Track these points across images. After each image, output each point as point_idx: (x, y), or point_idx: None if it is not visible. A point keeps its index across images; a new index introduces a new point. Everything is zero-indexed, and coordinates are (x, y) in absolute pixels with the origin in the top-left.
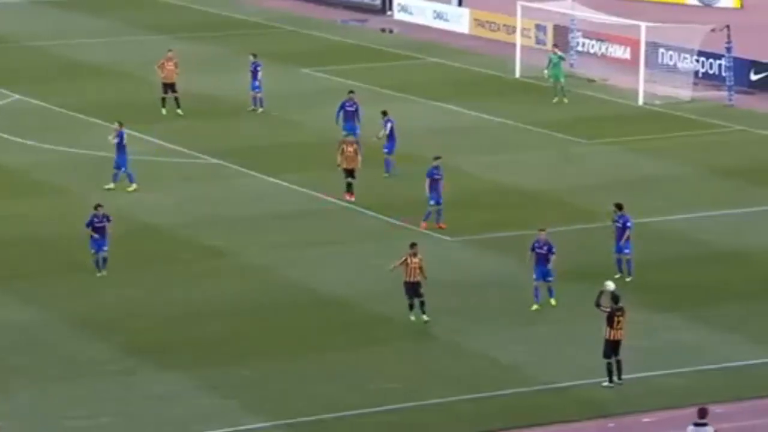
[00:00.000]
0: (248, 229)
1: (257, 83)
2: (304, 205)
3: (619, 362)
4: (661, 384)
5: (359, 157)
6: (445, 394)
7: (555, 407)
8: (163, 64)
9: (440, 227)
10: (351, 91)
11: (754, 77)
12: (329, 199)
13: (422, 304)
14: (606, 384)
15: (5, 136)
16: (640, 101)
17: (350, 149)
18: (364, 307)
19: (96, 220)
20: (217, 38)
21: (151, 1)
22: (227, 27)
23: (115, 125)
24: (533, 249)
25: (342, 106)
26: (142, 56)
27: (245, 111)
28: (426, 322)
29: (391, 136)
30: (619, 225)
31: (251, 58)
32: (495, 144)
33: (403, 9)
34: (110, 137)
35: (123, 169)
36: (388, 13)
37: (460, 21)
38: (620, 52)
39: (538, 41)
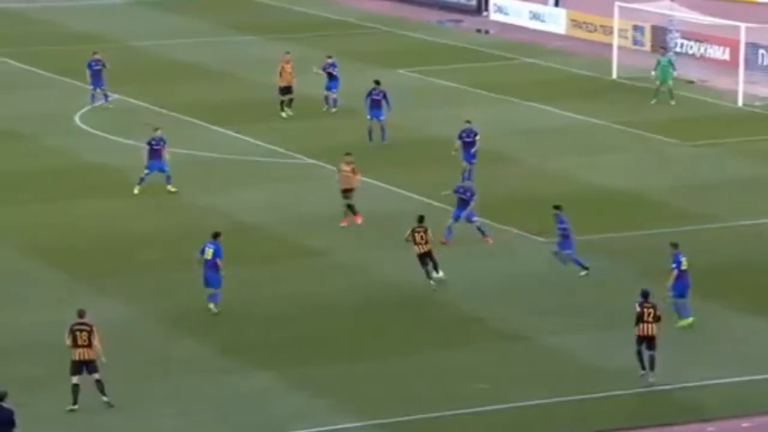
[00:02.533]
0: (343, 229)
1: (334, 83)
2: (399, 205)
3: (652, 357)
4: (761, 388)
5: (358, 176)
6: (537, 396)
7: (653, 410)
8: (282, 67)
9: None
10: (377, 81)
11: None
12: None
13: (435, 264)
14: (642, 373)
15: (106, 135)
16: (740, 102)
17: (347, 168)
18: (456, 307)
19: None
20: (313, 39)
21: (250, 3)
22: (323, 28)
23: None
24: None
25: (369, 94)
26: (241, 57)
27: (342, 111)
28: (441, 279)
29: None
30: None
31: (327, 59)
32: (590, 145)
33: (499, 9)
34: (142, 148)
35: (154, 171)
36: (484, 13)
37: (556, 21)
38: (719, 53)
39: (636, 42)
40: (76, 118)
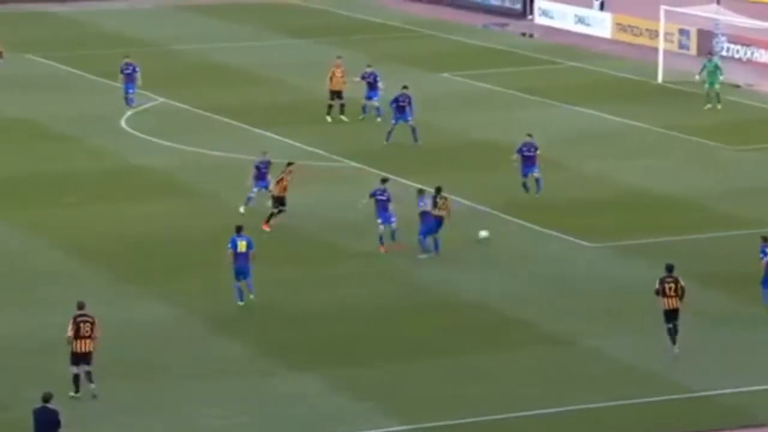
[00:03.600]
0: (386, 232)
1: (374, 92)
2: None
3: (675, 327)
4: None
5: (285, 184)
6: (584, 400)
7: (699, 415)
8: (333, 72)
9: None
10: (405, 86)
11: None
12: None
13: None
14: (675, 351)
15: (150, 138)
16: None
17: (288, 178)
18: (502, 310)
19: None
20: (357, 42)
21: (293, 6)
22: (368, 31)
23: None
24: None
25: (396, 100)
26: (284, 60)
27: (387, 116)
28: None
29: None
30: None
31: (366, 68)
32: (636, 149)
33: (544, 13)
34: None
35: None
36: (529, 17)
37: (602, 25)
38: (766, 57)
39: (682, 46)
40: (122, 121)
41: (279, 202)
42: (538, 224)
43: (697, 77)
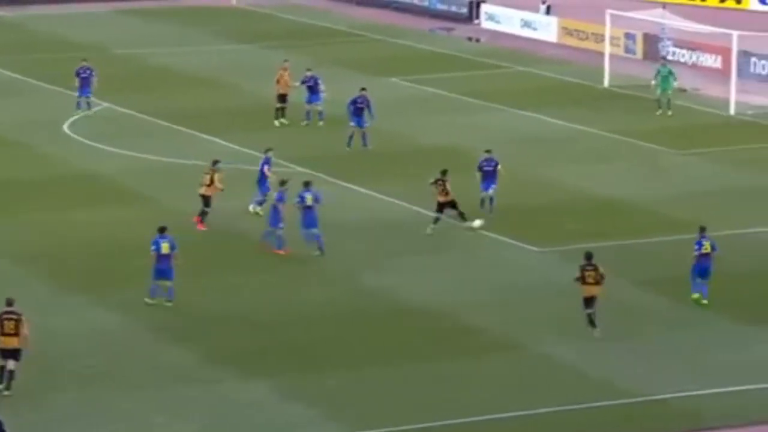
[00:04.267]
0: (335, 238)
1: (315, 96)
2: (391, 214)
3: (594, 313)
4: (756, 397)
5: (220, 186)
6: (534, 406)
7: (646, 420)
8: (280, 75)
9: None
10: (363, 89)
11: None
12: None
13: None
14: (596, 334)
15: (94, 143)
16: (732, 111)
17: (209, 177)
18: (453, 317)
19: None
20: (303, 47)
21: (238, 11)
22: (314, 36)
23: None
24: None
25: (353, 102)
26: (230, 65)
27: (332, 120)
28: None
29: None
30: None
31: (306, 71)
32: (582, 154)
33: (491, 17)
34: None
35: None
36: (476, 21)
37: (548, 29)
38: (711, 61)
39: (628, 50)
40: (65, 127)
41: (205, 202)
42: (487, 230)
43: (652, 83)
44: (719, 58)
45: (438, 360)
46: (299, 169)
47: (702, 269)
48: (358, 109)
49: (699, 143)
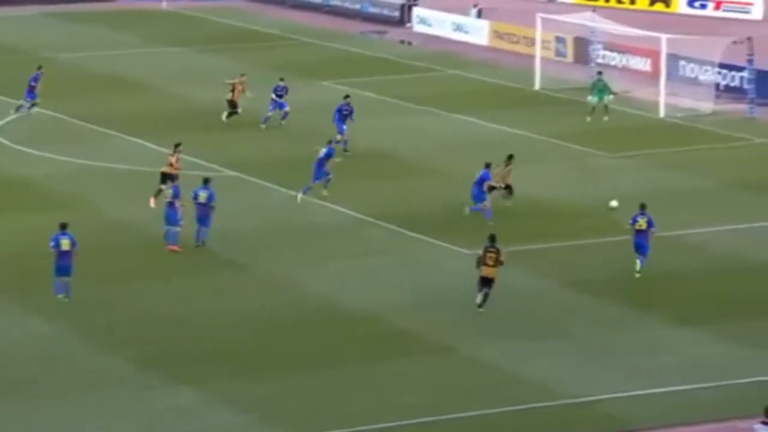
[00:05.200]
0: (268, 243)
1: (279, 102)
2: (321, 218)
3: (488, 294)
4: (685, 399)
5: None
6: (466, 408)
7: (576, 422)
8: (235, 86)
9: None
10: (347, 96)
11: None
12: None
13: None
14: (481, 311)
15: (24, 148)
16: (662, 114)
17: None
18: (385, 321)
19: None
20: (235, 50)
21: (169, 14)
22: (246, 39)
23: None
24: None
25: (339, 110)
26: (162, 69)
27: (255, 122)
28: None
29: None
30: None
31: (281, 82)
32: (515, 157)
33: (422, 21)
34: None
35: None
36: (407, 24)
37: (479, 33)
38: (641, 64)
39: (559, 53)
40: None
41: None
42: (420, 233)
43: (589, 98)
44: (649, 61)
45: (369, 364)
46: (230, 172)
47: (637, 244)
48: (343, 116)
49: (629, 146)
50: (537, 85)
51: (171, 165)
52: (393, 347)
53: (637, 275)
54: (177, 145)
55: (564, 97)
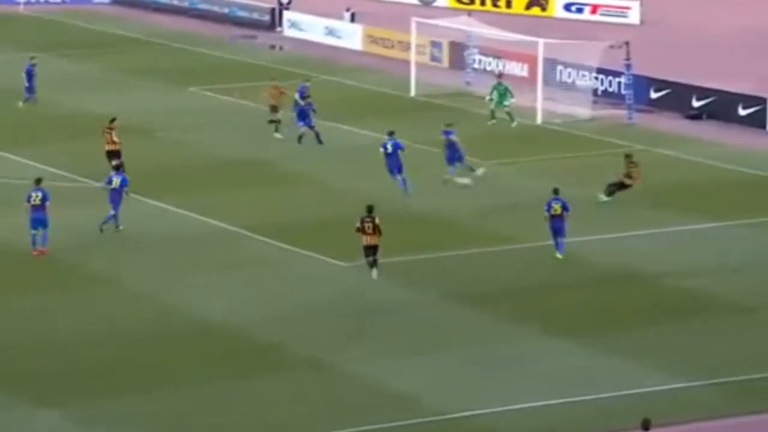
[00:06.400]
0: (132, 254)
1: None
2: (188, 228)
3: (375, 261)
4: (562, 412)
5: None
6: (340, 425)
7: None
8: (271, 90)
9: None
10: (307, 80)
11: (654, 95)
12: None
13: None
14: (374, 275)
15: None
16: (539, 120)
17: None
18: (253, 335)
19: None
20: (96, 56)
21: (24, 17)
22: (107, 44)
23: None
24: None
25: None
26: (19, 75)
27: (131, 131)
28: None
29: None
30: None
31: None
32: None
33: (294, 25)
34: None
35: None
36: (278, 29)
37: (352, 37)
38: (518, 69)
39: (434, 58)
40: None
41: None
42: (291, 244)
43: (487, 98)
44: (525, 66)
45: (234, 379)
46: (96, 184)
47: (555, 228)
48: (303, 111)
49: (507, 153)
50: (412, 92)
51: (113, 142)
52: (263, 362)
53: (560, 257)
54: (112, 120)
55: (440, 103)
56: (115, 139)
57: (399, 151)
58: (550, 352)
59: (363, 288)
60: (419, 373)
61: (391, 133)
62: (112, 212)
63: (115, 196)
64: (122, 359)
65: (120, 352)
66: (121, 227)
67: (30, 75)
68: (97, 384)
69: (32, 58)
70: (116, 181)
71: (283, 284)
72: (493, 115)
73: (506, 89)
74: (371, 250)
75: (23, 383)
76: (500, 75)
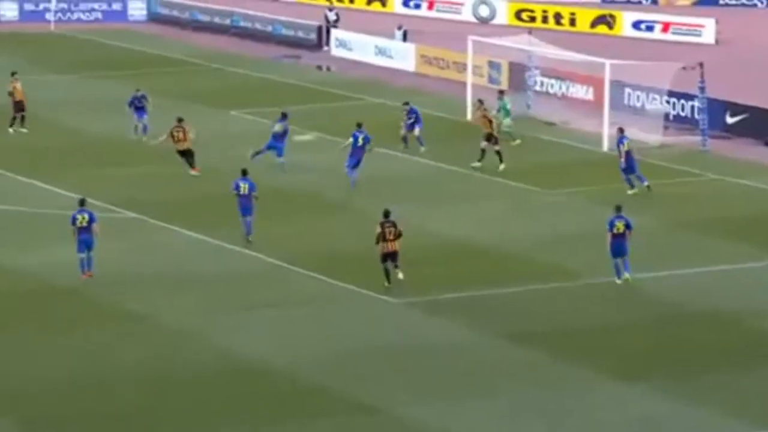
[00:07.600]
0: (165, 291)
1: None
2: (229, 263)
3: (396, 266)
4: None
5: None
6: None
7: None
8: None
9: None
10: (284, 113)
11: (730, 120)
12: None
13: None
14: (387, 285)
15: None
16: (605, 147)
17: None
18: (295, 377)
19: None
20: (133, 77)
21: (57, 37)
22: (144, 65)
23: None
24: None
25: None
26: (49, 97)
27: (169, 160)
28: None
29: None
30: None
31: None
32: (445, 193)
33: (342, 44)
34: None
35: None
36: (325, 48)
37: (405, 57)
38: (582, 92)
39: (492, 80)
40: None
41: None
42: (335, 278)
43: (494, 112)
44: (591, 89)
45: (279, 423)
46: (131, 214)
47: (616, 249)
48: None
49: (570, 182)
50: (469, 116)
51: (183, 140)
52: (307, 406)
53: (618, 282)
54: (180, 120)
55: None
56: (191, 135)
57: (366, 146)
58: (614, 397)
59: (414, 327)
60: (474, 417)
61: (359, 125)
62: (248, 220)
63: (246, 203)
64: (154, 403)
65: (151, 395)
66: (250, 239)
67: (137, 107)
68: (127, 427)
69: (137, 90)
70: (244, 186)
71: (329, 322)
72: (512, 136)
73: (504, 106)
74: (391, 257)
75: (50, 426)
76: (502, 92)
